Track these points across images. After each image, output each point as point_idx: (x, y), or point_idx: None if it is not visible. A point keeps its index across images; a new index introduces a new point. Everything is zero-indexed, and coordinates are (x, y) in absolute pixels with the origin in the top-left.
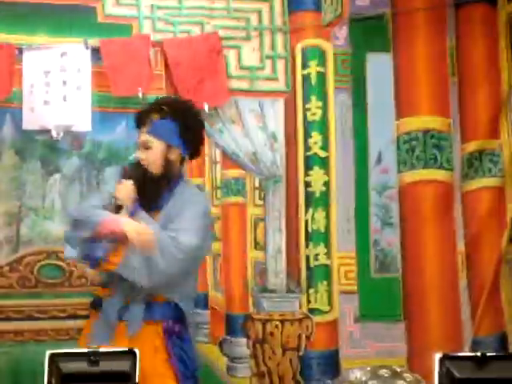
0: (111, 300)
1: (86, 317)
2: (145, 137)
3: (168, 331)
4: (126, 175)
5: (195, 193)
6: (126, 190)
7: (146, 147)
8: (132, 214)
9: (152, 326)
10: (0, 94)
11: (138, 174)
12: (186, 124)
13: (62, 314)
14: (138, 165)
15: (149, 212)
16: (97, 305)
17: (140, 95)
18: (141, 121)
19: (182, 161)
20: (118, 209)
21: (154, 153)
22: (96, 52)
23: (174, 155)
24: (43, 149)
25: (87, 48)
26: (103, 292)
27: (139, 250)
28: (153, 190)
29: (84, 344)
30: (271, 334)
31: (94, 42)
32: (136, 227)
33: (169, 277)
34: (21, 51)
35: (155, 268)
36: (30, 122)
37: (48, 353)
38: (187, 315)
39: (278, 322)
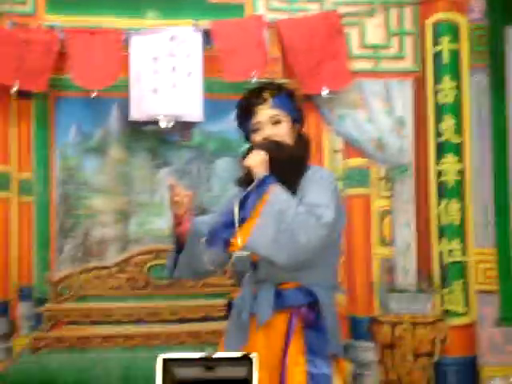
0: (241, 297)
1: (198, 320)
2: (271, 112)
3: (301, 320)
4: (257, 148)
5: (323, 171)
6: (259, 157)
7: (275, 122)
8: (265, 184)
9: (283, 314)
10: (107, 81)
11: (271, 148)
12: (298, 103)
13: (172, 317)
14: (268, 141)
15: None
16: (230, 306)
17: (254, 80)
18: (256, 99)
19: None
20: (249, 181)
21: (284, 127)
22: (206, 35)
23: (300, 132)
24: (151, 141)
25: (198, 31)
26: (235, 292)
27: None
28: (289, 169)
29: (222, 349)
30: (401, 338)
31: (204, 24)
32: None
33: (309, 254)
34: (128, 37)
35: (295, 244)
36: (137, 112)
37: (160, 358)
38: (323, 305)
39: (408, 325)
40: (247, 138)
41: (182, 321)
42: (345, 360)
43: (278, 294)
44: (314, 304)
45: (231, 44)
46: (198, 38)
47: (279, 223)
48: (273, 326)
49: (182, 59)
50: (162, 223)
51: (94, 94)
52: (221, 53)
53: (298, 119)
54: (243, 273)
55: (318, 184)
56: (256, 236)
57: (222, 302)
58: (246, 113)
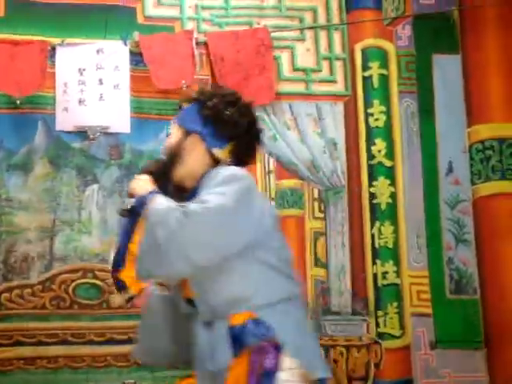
0: (199, 345)
1: (126, 341)
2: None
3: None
4: (143, 171)
5: (224, 169)
6: (142, 182)
7: (168, 136)
8: (143, 203)
9: (243, 356)
10: (30, 89)
11: (156, 166)
12: (207, 106)
13: (99, 339)
14: (158, 159)
15: None
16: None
17: (184, 89)
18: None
19: (211, 154)
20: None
21: (169, 140)
22: (136, 54)
23: (191, 143)
24: (79, 157)
25: (126, 44)
26: None
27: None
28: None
29: None
30: (335, 361)
31: (133, 43)
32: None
33: (215, 245)
34: (54, 48)
35: (188, 242)
36: (63, 123)
37: None
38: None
39: (342, 348)
40: None
41: (109, 342)
42: None
43: (232, 334)
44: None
45: (160, 54)
46: (126, 52)
47: (161, 234)
48: (233, 372)
49: (109, 72)
50: (90, 241)
51: (18, 102)
52: (149, 62)
53: (196, 129)
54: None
55: (213, 181)
56: (142, 264)
57: None
58: None
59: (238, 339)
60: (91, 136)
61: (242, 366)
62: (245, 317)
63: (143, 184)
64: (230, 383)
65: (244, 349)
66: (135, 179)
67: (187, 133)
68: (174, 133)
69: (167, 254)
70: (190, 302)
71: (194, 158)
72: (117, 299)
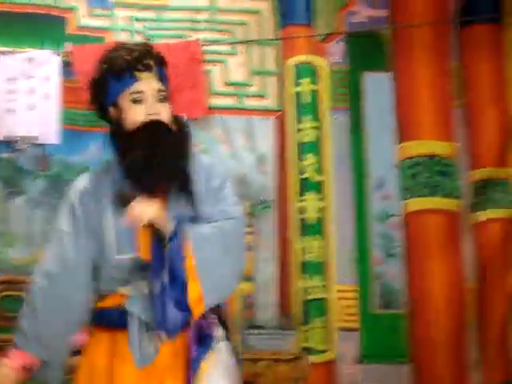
0: (139, 305)
1: None
2: (158, 85)
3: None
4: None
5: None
6: (152, 206)
7: (162, 98)
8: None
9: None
10: None
11: (153, 135)
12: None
13: None
14: (150, 125)
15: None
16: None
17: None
18: (138, 62)
19: None
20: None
21: (168, 106)
22: (68, 65)
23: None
24: (6, 169)
25: (58, 54)
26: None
27: None
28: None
29: None
30: (260, 375)
31: (65, 53)
32: None
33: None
34: None
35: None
36: None
37: None
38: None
39: (268, 362)
40: (103, 113)
41: None
42: None
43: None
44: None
45: (92, 67)
46: (57, 62)
47: (220, 255)
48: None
49: (39, 81)
50: (15, 253)
51: None
52: (81, 75)
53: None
54: (126, 280)
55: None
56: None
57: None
58: (116, 75)
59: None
60: (19, 146)
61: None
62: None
63: (157, 209)
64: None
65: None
66: (139, 201)
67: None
68: (167, 97)
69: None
70: (142, 264)
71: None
72: None
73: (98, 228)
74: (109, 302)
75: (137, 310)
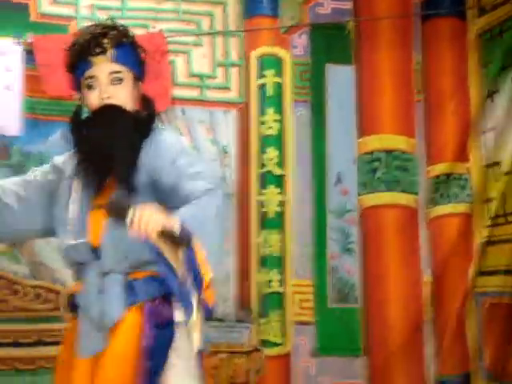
0: (85, 293)
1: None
2: (111, 67)
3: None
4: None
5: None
6: (156, 214)
7: (116, 80)
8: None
9: (134, 311)
10: None
11: (103, 120)
12: (141, 54)
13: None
14: (104, 108)
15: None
16: (74, 305)
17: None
18: (92, 46)
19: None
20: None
21: (126, 87)
22: (29, 53)
23: (139, 91)
24: None
25: (19, 44)
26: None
27: None
28: (128, 142)
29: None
30: (216, 367)
31: (27, 42)
32: None
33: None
34: None
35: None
36: None
37: None
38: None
39: (224, 355)
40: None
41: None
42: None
43: (129, 287)
44: (169, 296)
45: (54, 59)
46: (19, 52)
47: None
48: (125, 324)
49: (0, 72)
50: None
51: None
52: (42, 66)
53: (140, 76)
54: (80, 264)
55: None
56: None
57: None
58: (75, 62)
59: (133, 293)
60: None
61: (135, 317)
62: (145, 274)
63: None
64: (120, 333)
65: (137, 302)
66: (142, 210)
67: (136, 79)
68: (127, 77)
69: None
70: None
71: (134, 101)
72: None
73: (56, 203)
74: (76, 289)
75: (83, 303)
